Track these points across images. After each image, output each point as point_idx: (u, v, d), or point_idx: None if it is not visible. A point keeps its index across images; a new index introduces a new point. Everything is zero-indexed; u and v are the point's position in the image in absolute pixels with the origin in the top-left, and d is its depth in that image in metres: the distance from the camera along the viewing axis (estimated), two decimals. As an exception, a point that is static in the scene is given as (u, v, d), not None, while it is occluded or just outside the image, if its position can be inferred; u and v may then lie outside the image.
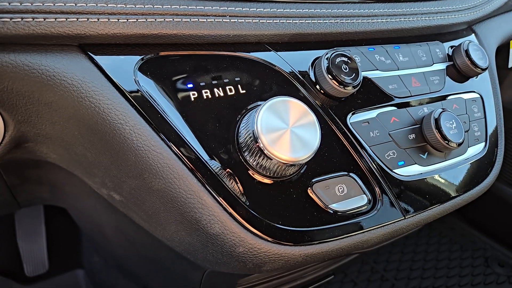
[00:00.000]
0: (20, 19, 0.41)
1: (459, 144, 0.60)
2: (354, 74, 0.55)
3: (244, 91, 0.52)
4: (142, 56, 0.48)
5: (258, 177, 0.48)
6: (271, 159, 0.45)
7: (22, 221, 1.36)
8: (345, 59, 0.56)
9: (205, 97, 0.49)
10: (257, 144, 0.45)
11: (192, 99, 0.48)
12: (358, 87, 0.56)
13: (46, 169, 0.68)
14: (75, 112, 0.46)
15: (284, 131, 0.46)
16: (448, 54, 0.73)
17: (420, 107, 0.64)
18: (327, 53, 0.55)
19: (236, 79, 0.52)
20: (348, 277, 1.72)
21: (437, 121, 0.60)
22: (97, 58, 0.46)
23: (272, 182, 0.48)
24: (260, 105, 0.47)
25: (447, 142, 0.59)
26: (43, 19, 0.42)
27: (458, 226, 2.03)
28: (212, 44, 0.53)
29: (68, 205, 0.92)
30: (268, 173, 0.47)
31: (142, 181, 0.46)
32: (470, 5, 0.78)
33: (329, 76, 0.54)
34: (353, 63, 0.56)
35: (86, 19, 0.44)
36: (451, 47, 0.75)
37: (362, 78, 0.57)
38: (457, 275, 1.76)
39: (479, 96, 0.74)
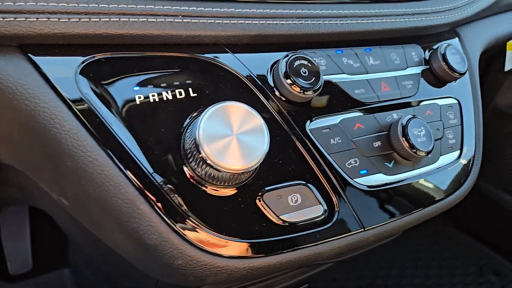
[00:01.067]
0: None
1: (428, 153, 0.57)
2: (314, 78, 0.53)
3: (195, 95, 0.49)
4: (85, 58, 0.46)
5: (203, 186, 0.46)
6: (215, 169, 0.42)
7: (7, 220, 1.35)
8: (305, 62, 0.53)
9: (152, 101, 0.47)
10: (200, 154, 0.42)
11: (138, 103, 0.46)
12: (319, 92, 0.53)
13: (7, 171, 0.67)
14: (14, 114, 0.44)
15: (229, 138, 0.43)
16: (425, 58, 0.70)
17: (389, 113, 0.61)
18: (285, 56, 0.53)
19: (188, 82, 0.50)
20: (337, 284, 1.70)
21: (404, 128, 0.58)
22: (36, 59, 0.44)
23: (217, 191, 0.46)
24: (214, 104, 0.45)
25: (414, 151, 0.57)
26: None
27: (451, 233, 1.99)
28: (165, 45, 0.51)
29: (41, 205, 0.90)
30: (213, 182, 0.45)
31: (80, 187, 0.45)
32: (451, 6, 0.75)
33: (287, 80, 0.52)
34: (313, 67, 0.53)
35: (25, 19, 0.43)
36: (429, 50, 0.72)
37: (323, 82, 0.54)
38: (448, 283, 1.72)
39: (456, 101, 0.70)
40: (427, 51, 0.72)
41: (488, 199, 1.82)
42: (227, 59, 0.53)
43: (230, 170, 0.42)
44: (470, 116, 0.71)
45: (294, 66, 0.52)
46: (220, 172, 0.42)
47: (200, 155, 0.42)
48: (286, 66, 0.52)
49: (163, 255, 0.44)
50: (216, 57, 0.52)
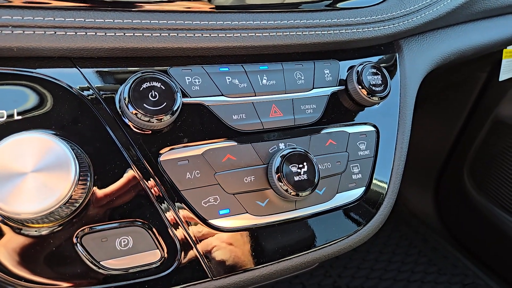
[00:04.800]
0: None
1: (305, 194, 0.50)
2: (165, 103, 0.46)
3: (20, 118, 0.44)
4: None
5: (11, 223, 0.41)
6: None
7: None
8: (157, 84, 0.46)
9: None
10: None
11: None
12: (172, 119, 0.46)
13: None
14: None
15: (23, 177, 0.38)
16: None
17: (274, 143, 0.53)
18: (130, 78, 0.46)
19: (14, 101, 0.44)
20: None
21: (282, 164, 0.50)
22: None
23: (29, 230, 0.41)
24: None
25: (289, 190, 0.49)
26: None
27: (443, 246, 1.88)
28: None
29: None
30: (14, 221, 0.40)
31: None
32: (385, 17, 0.64)
33: (130, 106, 0.45)
34: (168, 90, 0.46)
35: None
36: (352, 66, 0.63)
37: (181, 106, 0.47)
38: (426, 300, 1.63)
39: (374, 129, 0.61)
40: (346, 68, 0.62)
41: (483, 215, 1.70)
42: (69, 76, 0.47)
43: (16, 215, 0.37)
44: (389, 147, 0.62)
45: (141, 88, 0.45)
46: (9, 216, 0.37)
47: None
48: (129, 90, 0.45)
49: None
50: (55, 72, 0.46)
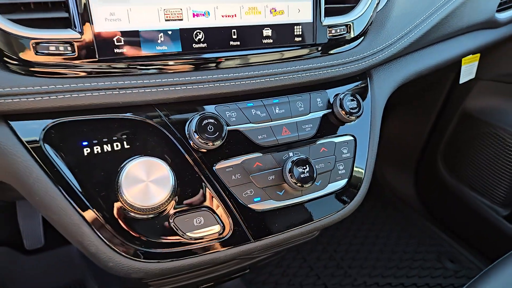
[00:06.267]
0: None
1: (307, 186, 0.77)
2: (217, 132, 0.72)
3: (129, 147, 0.70)
4: (48, 121, 0.66)
5: (128, 212, 0.67)
6: (129, 205, 0.64)
7: (22, 205, 1.63)
8: (212, 120, 0.72)
9: (95, 152, 0.68)
10: (122, 194, 0.63)
11: (85, 154, 0.67)
12: (222, 142, 0.73)
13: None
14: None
15: (143, 184, 0.64)
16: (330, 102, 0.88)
17: (286, 152, 0.80)
18: (195, 117, 0.72)
19: (123, 136, 0.70)
20: (309, 263, 1.92)
21: (292, 166, 0.77)
22: (13, 124, 0.65)
23: (139, 217, 0.68)
24: (134, 158, 0.66)
25: (297, 183, 0.76)
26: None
27: (421, 223, 2.17)
28: (107, 108, 0.70)
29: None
30: (136, 211, 0.67)
31: (45, 211, 0.66)
32: (361, 55, 0.89)
33: (197, 135, 0.71)
34: (218, 124, 0.73)
35: (11, 100, 0.63)
36: (336, 95, 0.89)
37: (232, 131, 0.74)
38: (407, 266, 1.92)
39: (353, 138, 0.88)
40: (334, 95, 0.89)
41: (455, 194, 1.99)
42: (154, 118, 0.73)
43: (138, 207, 0.63)
44: (364, 150, 0.89)
45: (202, 124, 0.72)
46: (133, 207, 0.64)
47: (122, 194, 0.63)
48: (195, 125, 0.71)
49: (100, 259, 0.66)
50: (147, 116, 0.72)
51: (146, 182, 0.64)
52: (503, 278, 0.95)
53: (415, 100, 2.10)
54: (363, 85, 0.95)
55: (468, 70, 1.61)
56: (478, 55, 1.61)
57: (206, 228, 0.71)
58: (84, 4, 0.63)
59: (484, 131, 1.83)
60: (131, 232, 0.67)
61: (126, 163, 0.66)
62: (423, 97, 2.06)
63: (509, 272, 0.96)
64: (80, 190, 0.66)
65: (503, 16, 1.34)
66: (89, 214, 0.65)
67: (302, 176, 0.76)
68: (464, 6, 1.10)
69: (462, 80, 1.60)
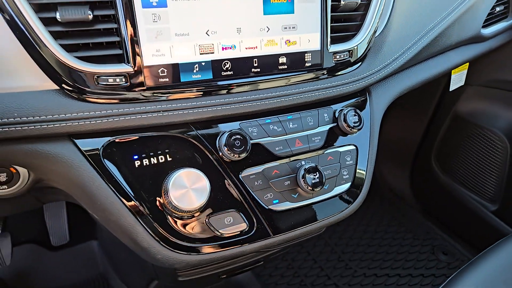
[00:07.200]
0: (39, 126, 0.74)
1: (317, 190, 0.91)
2: (243, 146, 0.87)
3: (171, 159, 0.84)
4: (106, 139, 0.81)
5: (173, 214, 0.82)
6: (175, 208, 0.78)
7: (49, 205, 1.78)
8: (239, 136, 0.87)
9: (144, 164, 0.82)
10: (169, 198, 0.78)
11: (137, 166, 0.82)
12: (247, 153, 0.87)
13: (58, 189, 1.04)
14: (67, 174, 0.80)
15: (186, 190, 0.79)
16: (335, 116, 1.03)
17: (299, 161, 0.95)
18: (224, 133, 0.86)
19: (166, 150, 0.84)
20: (311, 257, 2.07)
21: (304, 173, 0.92)
22: (77, 141, 0.79)
23: (182, 217, 0.82)
24: (178, 169, 0.81)
25: (308, 188, 0.91)
26: (53, 125, 0.75)
27: (416, 218, 2.33)
28: (152, 127, 0.85)
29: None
30: (179, 212, 0.81)
31: (104, 214, 0.81)
32: (363, 75, 1.04)
33: (225, 148, 0.86)
34: (244, 139, 0.87)
35: (77, 123, 0.77)
36: (341, 110, 1.04)
37: (254, 144, 0.88)
38: (403, 259, 2.08)
39: (355, 148, 1.03)
40: (338, 110, 1.04)
41: (448, 191, 2.14)
42: (191, 135, 0.87)
43: (182, 209, 0.78)
44: (364, 157, 1.04)
45: (231, 139, 0.86)
46: (178, 209, 0.78)
47: (169, 199, 0.78)
48: (225, 140, 0.86)
49: (150, 252, 0.81)
50: (185, 133, 0.87)
51: (188, 189, 0.79)
52: (488, 266, 1.09)
53: (412, 103, 2.24)
54: (363, 99, 1.09)
55: (458, 78, 1.75)
56: (467, 64, 1.76)
57: (235, 225, 0.86)
58: (136, 43, 0.77)
59: (474, 132, 1.97)
60: (176, 230, 0.82)
61: (171, 173, 0.80)
62: (419, 100, 2.20)
63: (494, 261, 1.11)
64: (133, 195, 0.80)
65: (488, 31, 1.49)
66: (142, 216, 0.80)
67: (313, 181, 0.91)
68: (452, 26, 1.24)
69: (452, 87, 1.74)
